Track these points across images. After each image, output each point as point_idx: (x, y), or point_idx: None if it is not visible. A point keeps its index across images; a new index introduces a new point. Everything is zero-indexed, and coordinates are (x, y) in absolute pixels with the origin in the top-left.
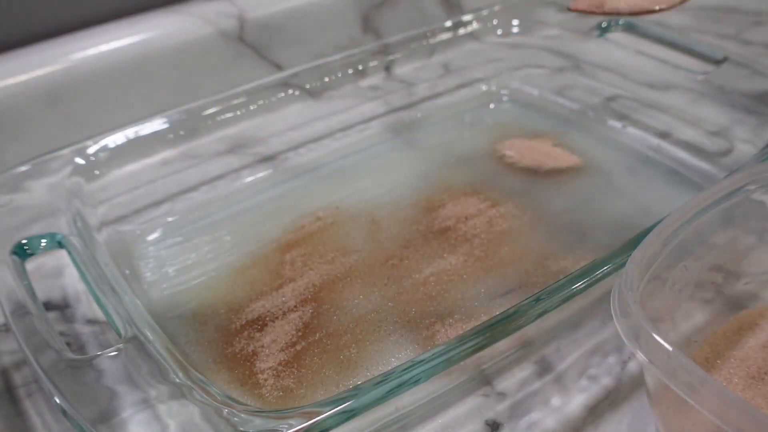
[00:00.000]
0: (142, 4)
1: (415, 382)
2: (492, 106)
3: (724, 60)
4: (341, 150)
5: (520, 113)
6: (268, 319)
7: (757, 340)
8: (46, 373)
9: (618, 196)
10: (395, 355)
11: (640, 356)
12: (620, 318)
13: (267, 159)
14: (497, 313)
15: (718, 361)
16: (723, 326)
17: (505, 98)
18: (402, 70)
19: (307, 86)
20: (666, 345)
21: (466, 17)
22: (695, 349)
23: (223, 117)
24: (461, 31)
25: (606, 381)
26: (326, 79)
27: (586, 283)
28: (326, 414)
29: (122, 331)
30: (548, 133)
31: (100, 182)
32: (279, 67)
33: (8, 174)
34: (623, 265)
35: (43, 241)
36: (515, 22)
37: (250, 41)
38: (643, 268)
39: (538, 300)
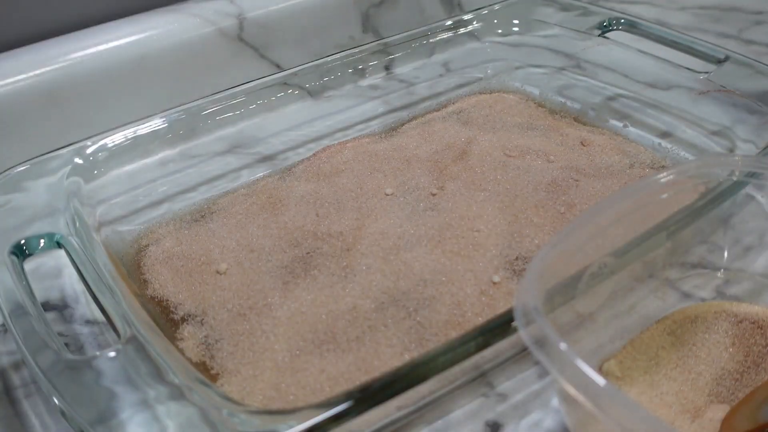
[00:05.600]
0: (141, 3)
1: (415, 382)
2: None
3: (726, 59)
4: None
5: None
6: None
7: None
8: (45, 373)
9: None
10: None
11: (544, 363)
12: (524, 327)
13: (266, 159)
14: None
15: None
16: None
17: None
18: (402, 69)
19: (307, 86)
20: (564, 347)
21: (467, 16)
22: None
23: (222, 117)
24: (461, 30)
25: None
26: (326, 79)
27: (587, 284)
28: (326, 414)
29: (121, 332)
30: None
31: (99, 182)
32: (278, 67)
33: (7, 174)
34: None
35: (42, 241)
36: (515, 21)
37: (249, 40)
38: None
39: None
